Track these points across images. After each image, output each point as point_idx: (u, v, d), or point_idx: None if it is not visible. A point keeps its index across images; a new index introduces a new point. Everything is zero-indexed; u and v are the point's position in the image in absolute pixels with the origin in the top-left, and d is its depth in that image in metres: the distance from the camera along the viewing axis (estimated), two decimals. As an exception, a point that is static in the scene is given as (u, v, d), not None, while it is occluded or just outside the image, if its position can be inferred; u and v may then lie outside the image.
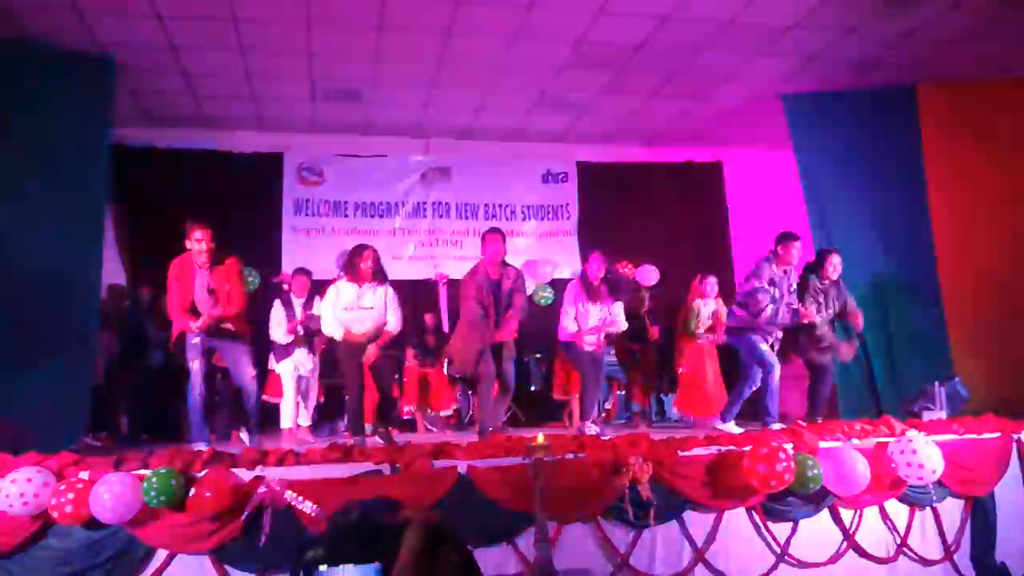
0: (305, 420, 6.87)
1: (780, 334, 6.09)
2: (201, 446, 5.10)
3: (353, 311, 5.66)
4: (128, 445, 6.15)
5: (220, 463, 4.10)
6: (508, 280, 5.87)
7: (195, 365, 5.36)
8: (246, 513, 3.91)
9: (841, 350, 6.15)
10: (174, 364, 7.32)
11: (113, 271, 7.89)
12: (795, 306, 5.93)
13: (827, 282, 6.13)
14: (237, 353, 5.56)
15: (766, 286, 5.85)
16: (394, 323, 5.80)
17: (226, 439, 6.25)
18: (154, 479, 3.81)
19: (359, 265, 5.66)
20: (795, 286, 6.08)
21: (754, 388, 6.11)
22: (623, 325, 6.65)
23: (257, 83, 7.58)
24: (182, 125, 8.37)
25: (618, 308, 6.54)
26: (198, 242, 5.41)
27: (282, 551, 3.97)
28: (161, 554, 3.89)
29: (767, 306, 5.79)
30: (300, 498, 4.00)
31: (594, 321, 6.42)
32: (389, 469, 4.19)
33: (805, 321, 5.93)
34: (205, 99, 7.89)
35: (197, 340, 5.36)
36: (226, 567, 3.90)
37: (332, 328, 5.67)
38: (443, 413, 7.69)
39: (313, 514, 4.00)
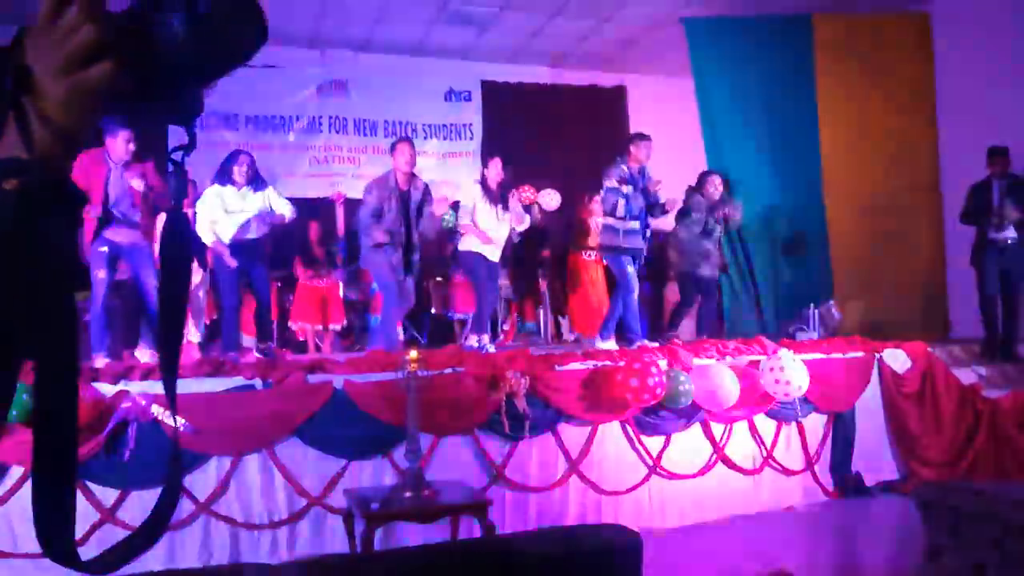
0: (195, 336, 6.61)
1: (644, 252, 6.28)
2: (102, 359, 4.86)
3: (237, 214, 5.48)
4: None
5: (79, 377, 3.92)
6: (417, 191, 5.73)
7: (100, 275, 5.01)
8: (108, 428, 3.79)
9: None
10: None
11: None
12: (662, 201, 6.15)
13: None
14: (143, 258, 5.17)
15: (615, 184, 5.99)
16: (288, 211, 5.68)
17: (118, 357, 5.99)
18: (5, 393, 3.62)
19: (234, 171, 5.50)
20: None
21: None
22: (524, 218, 6.52)
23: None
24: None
25: (514, 204, 6.39)
26: (127, 142, 5.01)
27: (149, 467, 3.89)
28: (16, 471, 3.73)
29: (617, 201, 5.95)
30: (167, 413, 3.90)
31: (489, 223, 6.19)
32: (261, 384, 4.12)
33: (669, 210, 6.24)
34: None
35: (105, 248, 5.00)
36: (87, 483, 3.78)
37: (207, 232, 5.42)
38: (333, 327, 7.51)
39: (182, 429, 3.91)
